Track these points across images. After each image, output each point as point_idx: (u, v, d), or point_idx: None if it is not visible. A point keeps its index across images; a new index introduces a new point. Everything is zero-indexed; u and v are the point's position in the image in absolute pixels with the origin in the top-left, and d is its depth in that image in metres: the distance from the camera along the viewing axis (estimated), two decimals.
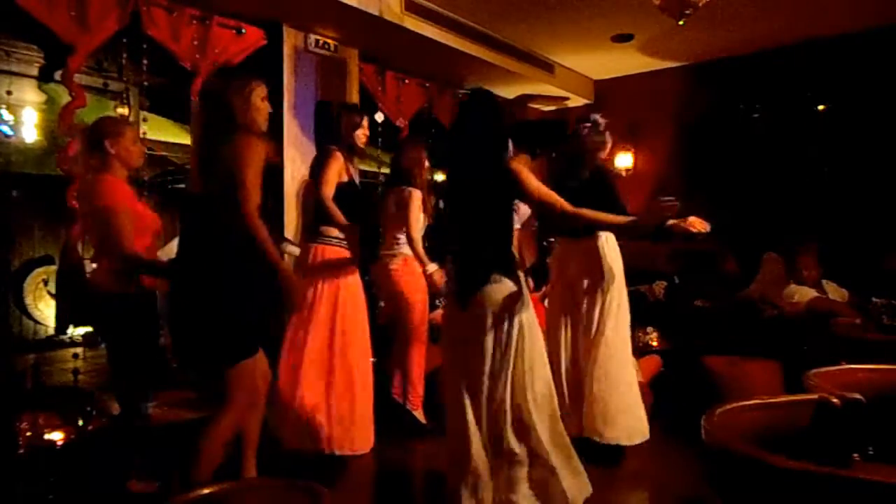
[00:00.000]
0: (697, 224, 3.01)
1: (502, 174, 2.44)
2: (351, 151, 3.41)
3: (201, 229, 2.39)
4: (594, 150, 3.40)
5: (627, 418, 3.25)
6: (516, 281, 2.42)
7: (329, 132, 3.40)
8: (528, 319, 2.44)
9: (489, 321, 2.38)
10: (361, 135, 3.44)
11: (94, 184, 2.65)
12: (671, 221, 3.10)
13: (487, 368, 2.38)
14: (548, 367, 2.51)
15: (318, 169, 3.29)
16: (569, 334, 3.38)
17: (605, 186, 3.33)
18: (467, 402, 2.42)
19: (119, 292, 2.67)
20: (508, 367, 2.38)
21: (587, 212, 2.51)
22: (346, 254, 3.32)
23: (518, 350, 2.39)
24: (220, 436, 2.33)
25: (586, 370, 3.28)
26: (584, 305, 3.32)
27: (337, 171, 3.26)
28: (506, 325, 2.38)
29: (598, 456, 3.11)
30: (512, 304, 2.39)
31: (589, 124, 3.39)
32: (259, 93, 2.48)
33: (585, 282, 3.33)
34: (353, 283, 3.36)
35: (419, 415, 3.75)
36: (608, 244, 3.34)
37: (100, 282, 2.72)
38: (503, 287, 2.39)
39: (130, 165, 2.77)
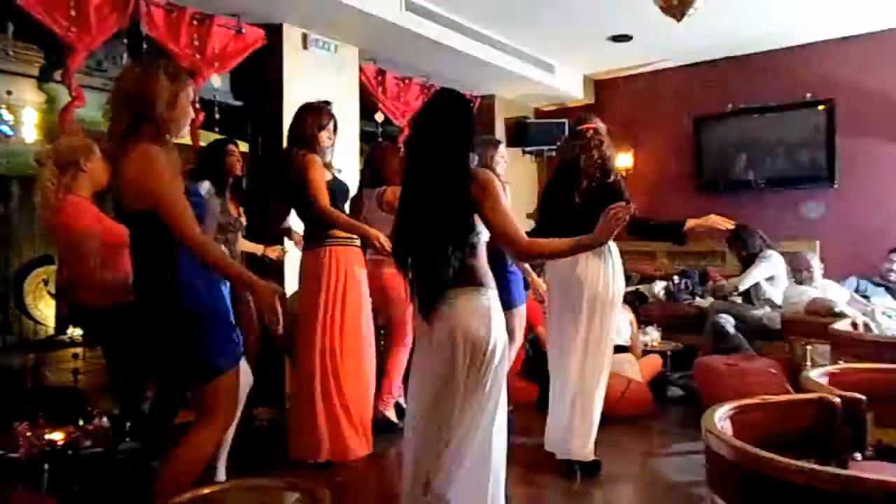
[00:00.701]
0: (720, 222, 2.97)
1: (465, 182, 2.04)
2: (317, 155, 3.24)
3: (150, 244, 2.09)
4: (608, 159, 3.19)
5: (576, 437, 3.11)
6: (485, 296, 2.07)
7: (293, 134, 3.27)
8: (497, 344, 2.05)
9: (452, 343, 2.01)
10: (325, 137, 3.27)
11: (61, 206, 2.67)
12: (691, 223, 3.04)
13: (449, 398, 2.02)
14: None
15: (290, 173, 3.16)
16: (563, 348, 3.21)
17: (620, 197, 3.11)
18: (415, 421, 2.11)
19: (110, 307, 2.63)
20: (470, 406, 2.02)
21: (539, 246, 2.16)
22: (359, 252, 3.32)
23: (484, 386, 2.02)
24: (197, 452, 2.12)
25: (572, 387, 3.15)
26: (572, 319, 3.13)
27: (321, 175, 3.18)
28: (472, 351, 2.01)
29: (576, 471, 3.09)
30: (479, 326, 2.02)
31: (592, 127, 3.29)
32: (189, 93, 2.12)
33: (575, 294, 3.12)
34: (363, 284, 3.36)
35: (391, 414, 3.75)
36: (611, 256, 3.16)
37: (87, 298, 2.70)
38: (471, 304, 2.04)
39: (101, 183, 2.78)
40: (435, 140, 2.11)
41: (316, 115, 3.27)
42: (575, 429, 3.10)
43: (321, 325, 3.22)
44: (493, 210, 2.02)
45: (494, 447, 2.09)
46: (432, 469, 2.01)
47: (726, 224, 3.00)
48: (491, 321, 2.04)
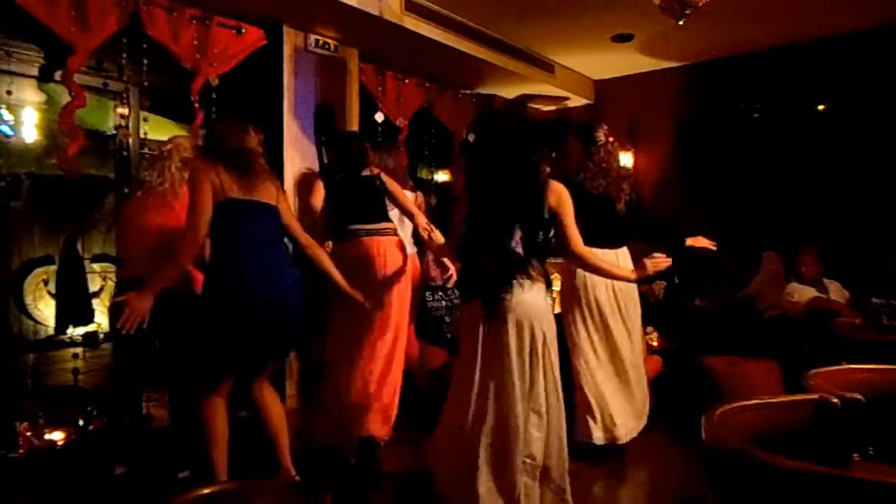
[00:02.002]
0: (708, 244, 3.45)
1: (543, 191, 2.46)
2: None
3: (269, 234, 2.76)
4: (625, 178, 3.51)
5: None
6: (542, 290, 2.46)
7: (350, 153, 3.59)
8: (553, 331, 2.48)
9: (516, 330, 2.39)
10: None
11: (184, 193, 2.98)
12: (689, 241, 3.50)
13: (515, 380, 2.37)
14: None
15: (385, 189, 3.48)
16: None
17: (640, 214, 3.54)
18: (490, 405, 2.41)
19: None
20: (538, 381, 2.40)
21: (600, 265, 2.67)
22: (403, 244, 3.53)
23: (546, 364, 2.42)
24: None
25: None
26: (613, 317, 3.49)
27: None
28: (535, 334, 2.40)
29: (599, 455, 3.14)
30: (541, 314, 2.42)
31: (610, 139, 3.41)
32: (261, 138, 2.90)
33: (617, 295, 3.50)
34: (405, 274, 3.50)
35: None
36: (621, 260, 3.47)
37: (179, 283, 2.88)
38: (532, 295, 2.40)
39: None
40: (513, 155, 2.49)
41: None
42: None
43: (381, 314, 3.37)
44: (565, 216, 2.48)
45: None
46: (528, 436, 2.36)
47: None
48: (547, 307, 2.46)
